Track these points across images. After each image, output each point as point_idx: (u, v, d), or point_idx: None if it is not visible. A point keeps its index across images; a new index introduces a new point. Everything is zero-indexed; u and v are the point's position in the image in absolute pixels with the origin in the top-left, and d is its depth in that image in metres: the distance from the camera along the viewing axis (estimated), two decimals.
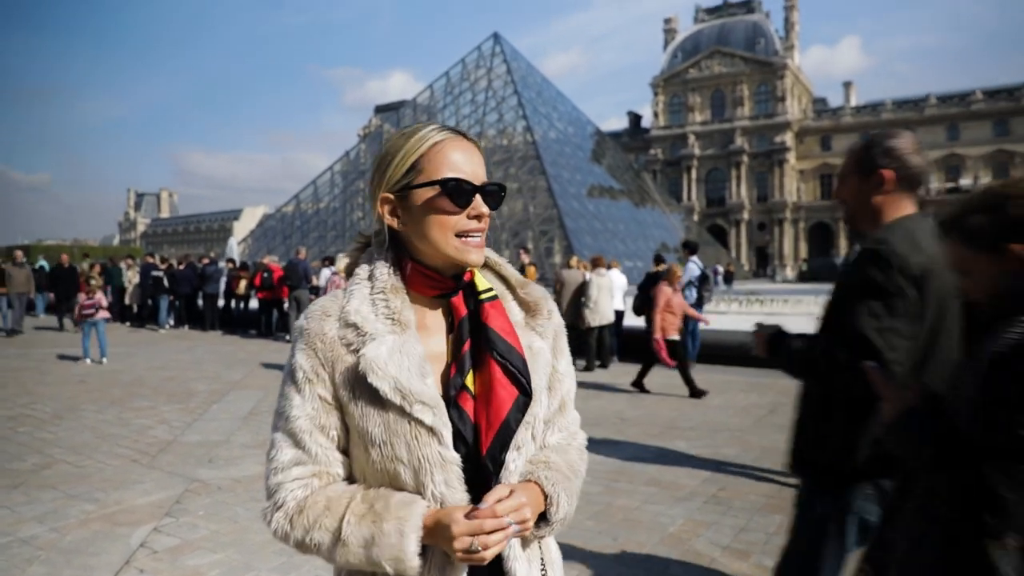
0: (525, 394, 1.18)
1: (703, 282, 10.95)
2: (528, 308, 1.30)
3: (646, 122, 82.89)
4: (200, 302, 17.74)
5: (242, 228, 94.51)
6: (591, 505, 4.41)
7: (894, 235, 1.99)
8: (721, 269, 39.98)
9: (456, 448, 1.13)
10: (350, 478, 1.21)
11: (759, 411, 7.70)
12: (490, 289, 1.25)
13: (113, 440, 6.32)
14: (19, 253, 17.34)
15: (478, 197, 1.19)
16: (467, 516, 1.06)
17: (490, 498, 1.09)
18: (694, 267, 10.96)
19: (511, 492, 1.11)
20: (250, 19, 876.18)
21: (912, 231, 1.99)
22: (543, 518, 1.20)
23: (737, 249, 70.13)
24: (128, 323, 18.50)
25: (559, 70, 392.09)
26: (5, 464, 5.58)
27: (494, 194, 1.22)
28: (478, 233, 1.19)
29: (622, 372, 10.40)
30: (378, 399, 1.12)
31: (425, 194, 1.17)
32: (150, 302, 18.00)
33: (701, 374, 10.03)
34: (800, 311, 19.03)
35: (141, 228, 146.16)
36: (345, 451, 1.20)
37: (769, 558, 3.57)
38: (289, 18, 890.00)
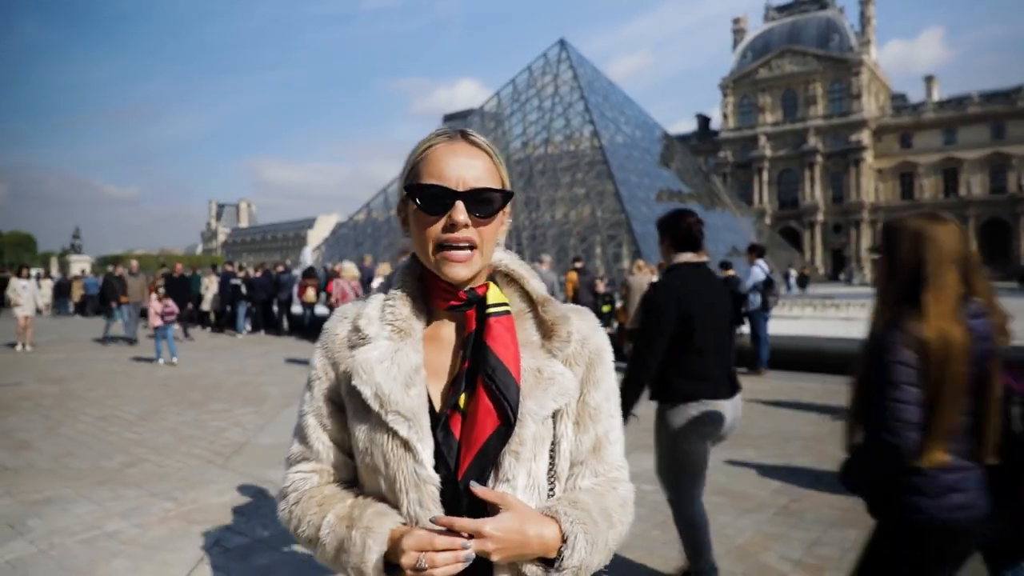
0: (506, 422, 1.07)
1: (768, 286, 10.61)
2: (545, 329, 1.17)
3: (715, 124, 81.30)
4: (275, 308, 18.37)
5: (316, 236, 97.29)
6: (656, 514, 4.33)
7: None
8: (795, 273, 38.79)
9: (438, 468, 1.07)
10: (355, 481, 1.19)
11: (834, 419, 7.41)
12: (502, 304, 1.15)
13: (191, 441, 6.60)
14: (135, 263, 17.69)
15: (459, 204, 1.07)
16: (431, 529, 1.01)
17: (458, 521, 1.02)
18: (759, 271, 10.64)
19: (503, 512, 1.03)
20: (322, 36, 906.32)
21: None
22: (548, 562, 1.07)
23: (811, 252, 67.89)
24: (208, 328, 19.32)
25: (626, 74, 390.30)
26: (96, 462, 5.90)
27: (484, 200, 1.10)
28: (458, 244, 1.08)
29: None
30: (363, 404, 1.10)
31: (412, 202, 1.12)
32: (228, 308, 18.78)
33: (773, 380, 9.76)
34: None
35: (222, 237, 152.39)
36: (350, 453, 1.18)
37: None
38: (359, 32, 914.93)
